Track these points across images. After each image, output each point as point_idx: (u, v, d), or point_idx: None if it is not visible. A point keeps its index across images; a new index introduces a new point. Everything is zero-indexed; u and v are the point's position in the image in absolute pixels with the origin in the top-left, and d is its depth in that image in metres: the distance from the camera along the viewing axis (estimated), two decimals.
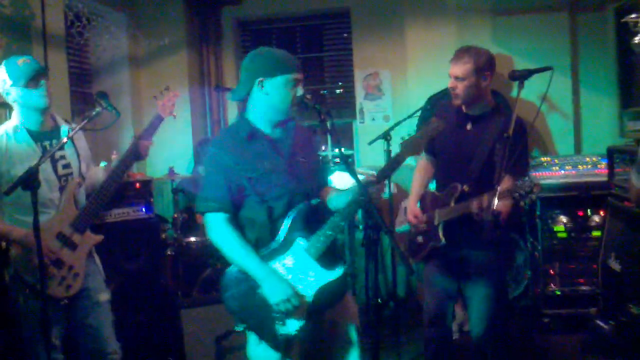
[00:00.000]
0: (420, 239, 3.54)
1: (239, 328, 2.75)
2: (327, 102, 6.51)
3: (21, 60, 3.13)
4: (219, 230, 2.70)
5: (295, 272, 2.72)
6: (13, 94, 3.12)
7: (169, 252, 4.72)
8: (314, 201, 2.75)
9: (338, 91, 6.55)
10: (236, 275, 2.73)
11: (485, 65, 3.36)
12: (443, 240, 3.37)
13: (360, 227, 5.42)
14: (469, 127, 3.43)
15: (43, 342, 2.66)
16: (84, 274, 3.16)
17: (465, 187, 3.34)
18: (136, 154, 3.29)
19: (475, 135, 3.39)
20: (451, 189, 3.39)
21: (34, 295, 2.93)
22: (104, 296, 3.29)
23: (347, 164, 2.83)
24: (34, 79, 3.09)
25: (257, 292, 2.67)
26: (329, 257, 2.72)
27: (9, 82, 3.09)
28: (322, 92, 6.52)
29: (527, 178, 3.06)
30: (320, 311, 2.76)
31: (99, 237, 3.26)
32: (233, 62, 6.44)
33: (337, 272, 2.71)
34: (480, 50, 3.41)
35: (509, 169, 3.25)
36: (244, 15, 6.48)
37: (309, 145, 2.93)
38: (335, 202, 2.84)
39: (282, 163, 2.74)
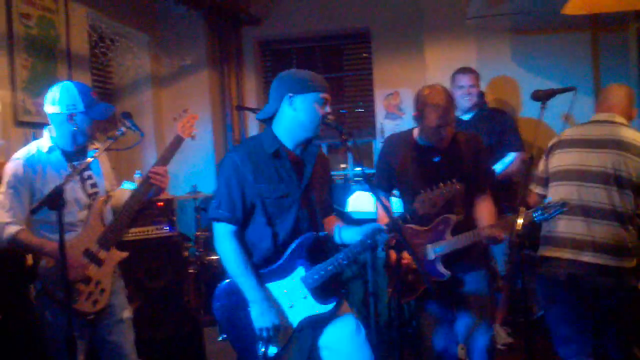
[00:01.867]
0: (410, 277, 3.33)
1: (220, 337, 2.77)
2: (347, 121, 6.53)
3: (100, 100, 3.27)
4: (224, 241, 2.70)
5: (287, 298, 2.72)
6: (74, 120, 3.12)
7: (191, 270, 4.73)
8: (322, 233, 2.74)
9: (358, 110, 6.57)
10: (229, 287, 2.74)
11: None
12: (447, 273, 3.25)
13: (381, 247, 5.38)
14: (436, 159, 3.33)
15: (68, 357, 2.66)
16: (110, 290, 3.19)
17: (460, 217, 3.26)
18: (150, 184, 3.28)
19: (448, 164, 3.30)
20: (443, 221, 3.26)
21: (63, 311, 2.93)
22: (127, 313, 3.31)
23: (370, 183, 2.82)
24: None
25: (247, 309, 2.68)
26: (325, 289, 2.72)
27: (80, 107, 3.12)
28: (341, 111, 6.54)
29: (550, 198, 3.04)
30: (310, 333, 2.76)
31: (124, 254, 3.28)
32: (254, 82, 6.50)
33: (328, 306, 2.70)
34: (448, 90, 3.32)
35: (477, 188, 3.31)
36: (265, 36, 6.54)
37: (325, 173, 2.90)
38: (343, 236, 2.81)
39: (298, 188, 2.72)
